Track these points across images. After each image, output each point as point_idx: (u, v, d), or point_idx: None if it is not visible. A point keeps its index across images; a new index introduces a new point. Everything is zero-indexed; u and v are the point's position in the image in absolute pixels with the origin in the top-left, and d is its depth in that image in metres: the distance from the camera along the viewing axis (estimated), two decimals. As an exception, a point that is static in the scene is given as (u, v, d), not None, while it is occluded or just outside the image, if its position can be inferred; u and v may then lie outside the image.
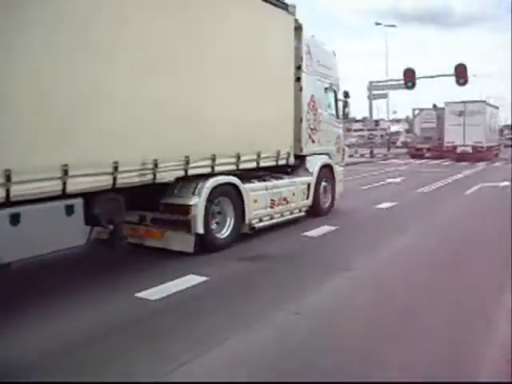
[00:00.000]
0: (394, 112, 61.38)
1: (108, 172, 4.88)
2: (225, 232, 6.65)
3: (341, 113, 10.31)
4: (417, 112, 33.12)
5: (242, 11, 6.82)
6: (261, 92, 7.34)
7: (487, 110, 30.39)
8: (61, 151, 4.42)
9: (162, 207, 6.07)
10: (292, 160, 8.32)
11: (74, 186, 4.52)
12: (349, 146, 33.97)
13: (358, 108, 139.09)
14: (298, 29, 8.43)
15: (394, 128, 50.41)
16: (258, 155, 7.35)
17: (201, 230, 6.04)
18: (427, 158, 30.63)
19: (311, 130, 8.93)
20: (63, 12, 4.41)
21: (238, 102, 6.79)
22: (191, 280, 5.15)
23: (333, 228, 8.08)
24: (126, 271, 5.52)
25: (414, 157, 31.26)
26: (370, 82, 32.13)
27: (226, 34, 6.54)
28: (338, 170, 10.06)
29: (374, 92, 32.18)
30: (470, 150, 28.34)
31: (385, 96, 35.22)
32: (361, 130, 50.22)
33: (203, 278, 5.20)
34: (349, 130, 59.68)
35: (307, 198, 8.74)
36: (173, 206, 6.02)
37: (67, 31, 4.45)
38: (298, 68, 8.52)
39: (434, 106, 32.93)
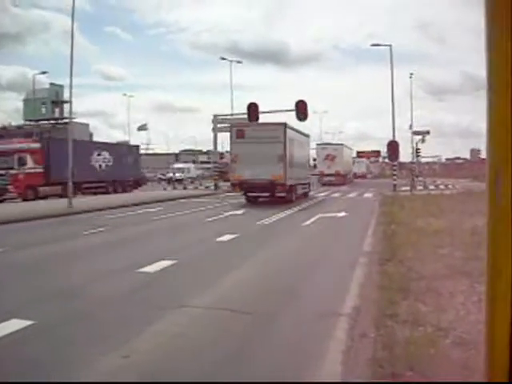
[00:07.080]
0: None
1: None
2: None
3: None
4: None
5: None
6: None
7: (364, 161, 73.11)
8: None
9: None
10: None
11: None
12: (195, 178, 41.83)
13: (204, 140, 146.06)
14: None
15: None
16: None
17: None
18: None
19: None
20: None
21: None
22: (14, 325, 4.77)
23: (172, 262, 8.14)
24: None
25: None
26: (215, 116, 32.37)
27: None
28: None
29: (219, 125, 32.08)
30: (362, 174, 65.75)
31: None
32: (207, 162, 50.25)
33: (28, 322, 4.85)
34: (194, 162, 58.62)
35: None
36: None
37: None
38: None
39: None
